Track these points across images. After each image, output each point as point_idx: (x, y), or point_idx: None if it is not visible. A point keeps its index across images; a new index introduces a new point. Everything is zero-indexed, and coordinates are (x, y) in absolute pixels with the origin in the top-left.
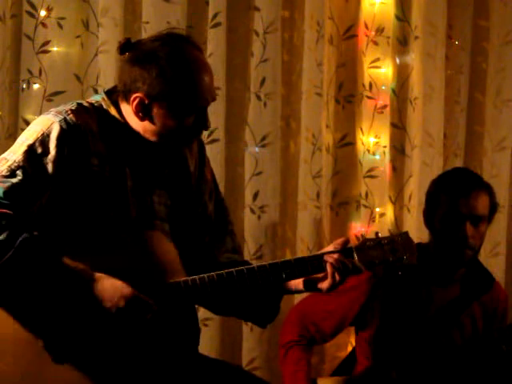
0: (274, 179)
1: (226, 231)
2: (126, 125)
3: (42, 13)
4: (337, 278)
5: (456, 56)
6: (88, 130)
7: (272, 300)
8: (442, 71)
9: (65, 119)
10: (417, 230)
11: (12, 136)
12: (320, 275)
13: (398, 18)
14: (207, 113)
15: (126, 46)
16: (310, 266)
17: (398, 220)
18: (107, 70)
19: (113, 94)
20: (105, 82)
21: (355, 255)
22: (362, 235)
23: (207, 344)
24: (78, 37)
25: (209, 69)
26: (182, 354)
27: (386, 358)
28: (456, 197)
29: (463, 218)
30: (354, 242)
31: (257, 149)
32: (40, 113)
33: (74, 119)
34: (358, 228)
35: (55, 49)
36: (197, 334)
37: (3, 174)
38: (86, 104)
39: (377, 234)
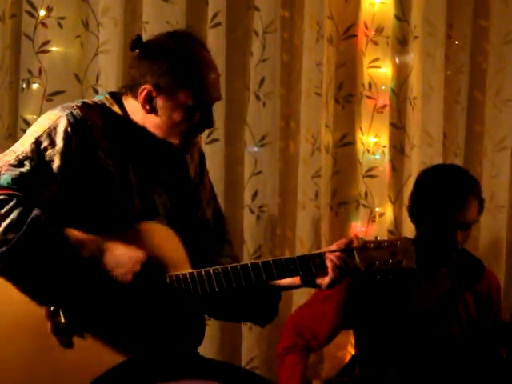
0: (273, 179)
1: (224, 240)
2: (129, 121)
3: (42, 12)
4: (337, 275)
5: (456, 56)
6: (94, 124)
7: (271, 299)
8: (441, 71)
9: (71, 113)
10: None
11: (12, 136)
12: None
13: (397, 17)
14: (212, 111)
15: (136, 43)
16: (313, 264)
17: (398, 220)
18: (107, 69)
19: (115, 94)
20: (105, 82)
21: (356, 255)
22: (362, 238)
23: (206, 343)
24: (77, 37)
25: (215, 68)
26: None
27: (385, 358)
28: (450, 207)
29: (455, 227)
30: (354, 243)
31: (256, 148)
32: (40, 113)
33: (80, 113)
34: (358, 228)
35: (55, 49)
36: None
37: (11, 163)
38: (89, 102)
39: (376, 237)
